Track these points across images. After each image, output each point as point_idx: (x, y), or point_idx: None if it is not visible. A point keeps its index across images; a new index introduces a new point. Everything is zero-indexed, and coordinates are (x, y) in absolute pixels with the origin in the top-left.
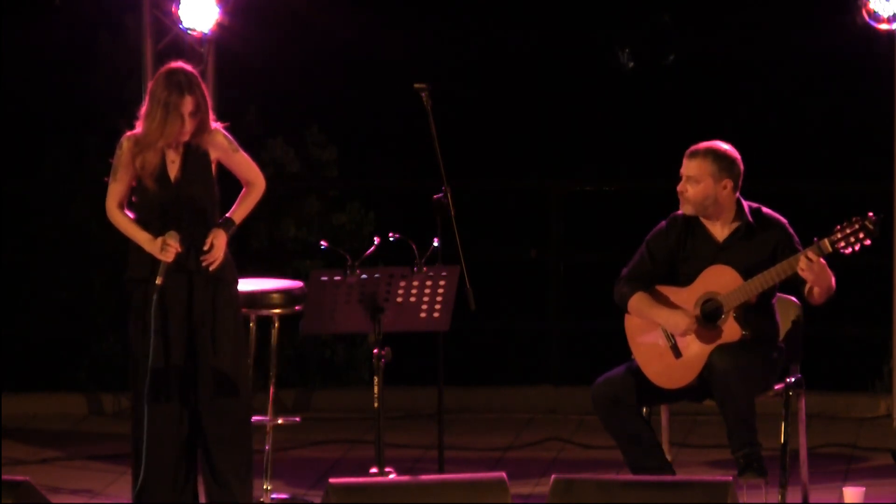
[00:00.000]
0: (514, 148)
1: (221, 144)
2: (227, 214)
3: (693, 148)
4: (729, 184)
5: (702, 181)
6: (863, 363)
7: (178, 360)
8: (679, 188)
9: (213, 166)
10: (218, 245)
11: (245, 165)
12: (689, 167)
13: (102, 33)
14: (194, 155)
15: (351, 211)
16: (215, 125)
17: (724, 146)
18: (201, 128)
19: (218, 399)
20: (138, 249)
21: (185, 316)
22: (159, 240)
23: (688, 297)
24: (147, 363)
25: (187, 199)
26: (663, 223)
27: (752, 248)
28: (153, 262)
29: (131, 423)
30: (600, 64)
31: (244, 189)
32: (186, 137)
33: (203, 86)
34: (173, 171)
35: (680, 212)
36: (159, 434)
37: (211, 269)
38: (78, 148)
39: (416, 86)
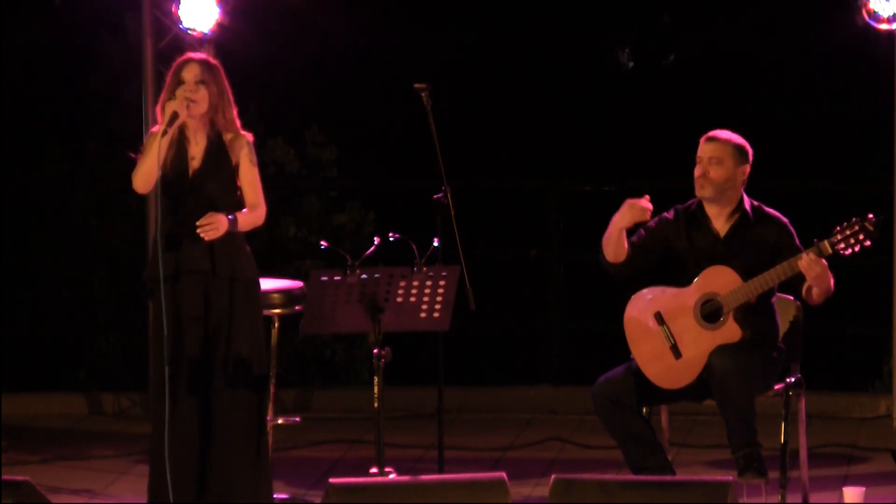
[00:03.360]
0: (513, 148)
1: (242, 150)
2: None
3: (712, 133)
4: (746, 169)
5: (725, 162)
6: (863, 363)
7: (195, 363)
8: (699, 172)
9: (237, 173)
10: (217, 219)
11: (254, 185)
12: (711, 149)
13: (102, 33)
14: (216, 153)
15: (351, 211)
16: (246, 133)
17: (739, 136)
18: (219, 110)
19: (230, 400)
20: (157, 247)
21: (203, 318)
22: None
23: (688, 297)
24: (165, 363)
25: (202, 195)
26: (668, 214)
27: (752, 243)
28: (170, 260)
29: (152, 424)
30: (600, 64)
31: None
32: (202, 110)
33: (223, 74)
34: (193, 165)
35: (686, 204)
36: (176, 434)
37: (204, 236)
38: (78, 148)
39: (416, 86)
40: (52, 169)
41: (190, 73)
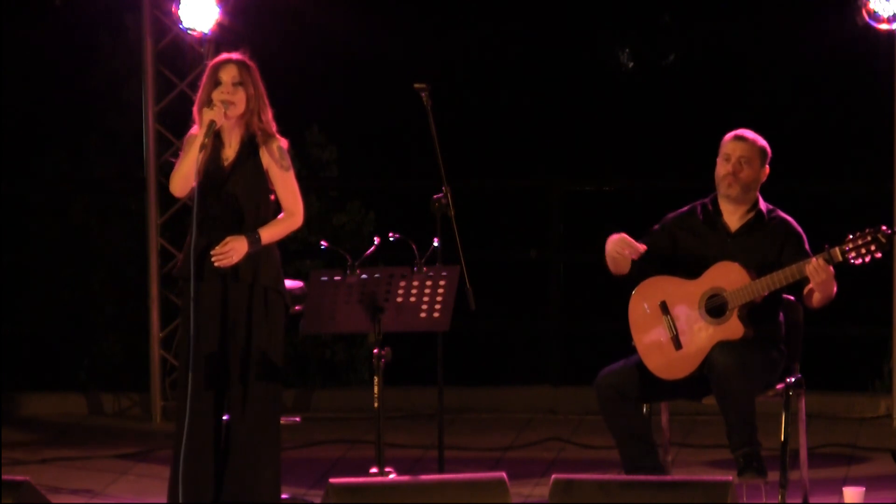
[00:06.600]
0: (514, 147)
1: (273, 155)
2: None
3: (740, 132)
4: (767, 171)
5: (754, 163)
6: (863, 363)
7: (210, 360)
8: (729, 169)
9: (268, 178)
10: (233, 247)
11: (289, 191)
12: (742, 149)
13: (102, 33)
14: (247, 157)
15: (351, 211)
16: (280, 138)
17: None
18: (255, 113)
19: (244, 400)
20: (186, 247)
21: (219, 317)
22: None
23: (694, 290)
24: (187, 365)
25: (229, 199)
26: (686, 208)
27: (761, 243)
28: (196, 260)
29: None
30: (600, 64)
31: (281, 214)
32: (238, 112)
33: (258, 75)
34: (224, 168)
35: (703, 200)
36: (193, 432)
37: (217, 264)
38: (78, 148)
39: (416, 86)
40: (52, 169)
41: (227, 75)
